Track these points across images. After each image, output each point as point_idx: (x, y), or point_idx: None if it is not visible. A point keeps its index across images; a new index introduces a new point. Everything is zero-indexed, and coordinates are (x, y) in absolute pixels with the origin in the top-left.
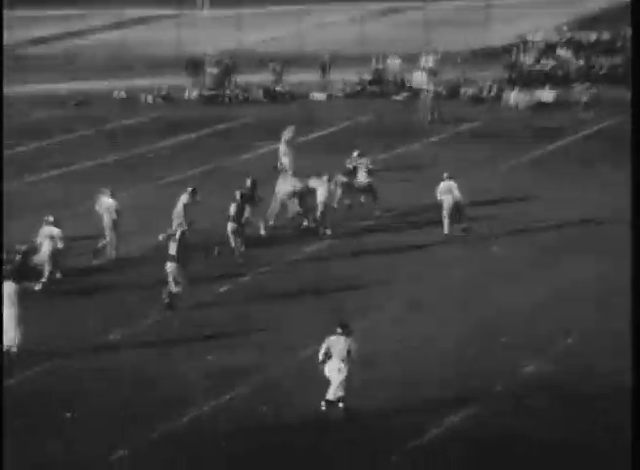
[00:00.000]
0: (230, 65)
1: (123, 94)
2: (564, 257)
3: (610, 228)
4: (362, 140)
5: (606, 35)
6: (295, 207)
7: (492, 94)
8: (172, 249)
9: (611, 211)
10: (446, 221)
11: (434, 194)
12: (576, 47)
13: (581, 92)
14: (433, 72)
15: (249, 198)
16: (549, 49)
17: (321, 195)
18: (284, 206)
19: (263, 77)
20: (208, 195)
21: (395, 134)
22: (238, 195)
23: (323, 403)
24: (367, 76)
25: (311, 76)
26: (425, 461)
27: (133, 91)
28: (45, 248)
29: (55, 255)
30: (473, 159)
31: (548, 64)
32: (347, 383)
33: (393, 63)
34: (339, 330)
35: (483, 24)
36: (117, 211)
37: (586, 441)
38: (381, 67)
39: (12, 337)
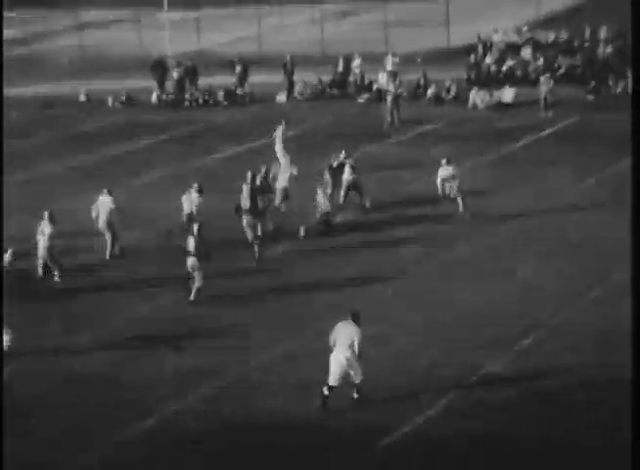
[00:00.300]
0: (191, 67)
1: (86, 97)
2: (526, 253)
3: (571, 223)
4: (323, 142)
5: (564, 35)
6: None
7: (452, 94)
8: (190, 244)
9: (572, 207)
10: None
11: (395, 193)
12: (536, 47)
13: (543, 90)
14: (393, 74)
15: (260, 189)
16: (509, 49)
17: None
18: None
19: (225, 80)
20: (172, 198)
21: (356, 136)
22: (246, 188)
23: (325, 389)
24: (328, 78)
25: (272, 78)
26: (390, 462)
27: (97, 94)
28: (41, 244)
29: (50, 250)
30: (434, 159)
31: (508, 64)
32: (361, 370)
33: (354, 64)
34: (349, 318)
35: (443, 25)
36: (117, 210)
37: (552, 436)
38: (341, 68)
39: None
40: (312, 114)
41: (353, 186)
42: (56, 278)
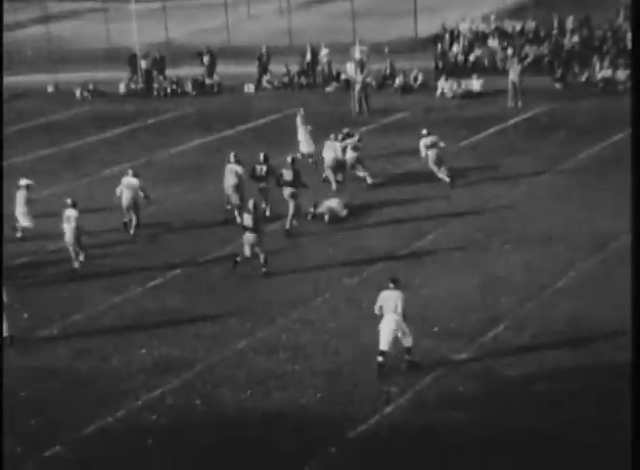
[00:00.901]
0: (159, 58)
1: (54, 88)
2: (492, 244)
3: (538, 213)
4: (293, 131)
5: (531, 24)
6: None
7: (420, 83)
8: (248, 220)
9: (539, 197)
10: (437, 170)
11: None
12: (503, 36)
13: (511, 79)
14: (361, 63)
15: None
16: (476, 38)
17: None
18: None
19: (193, 70)
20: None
21: (325, 125)
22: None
23: (380, 358)
24: (296, 68)
25: (240, 68)
26: (361, 453)
27: (65, 85)
28: (67, 231)
29: (76, 236)
30: (401, 148)
31: (475, 53)
32: (411, 335)
33: (322, 54)
34: (390, 285)
35: (411, 15)
36: (142, 189)
37: (518, 427)
38: (309, 58)
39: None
40: (281, 103)
41: (357, 163)
42: (76, 264)
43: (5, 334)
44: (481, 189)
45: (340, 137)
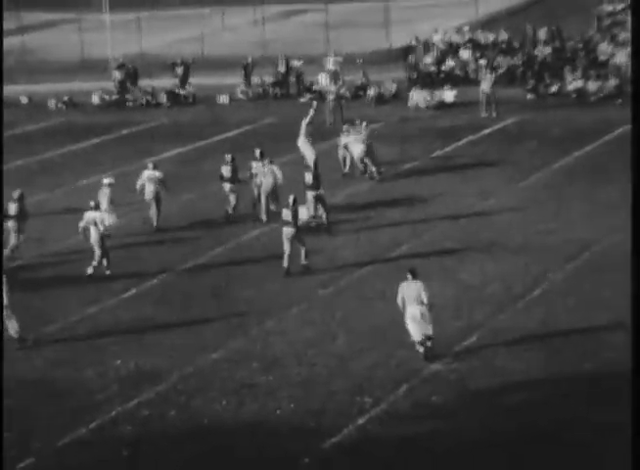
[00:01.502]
0: (132, 69)
1: (28, 99)
2: (465, 254)
3: (511, 223)
4: (266, 142)
5: (503, 36)
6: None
7: (393, 94)
8: (287, 215)
9: (512, 207)
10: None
11: (334, 194)
12: (476, 47)
13: (484, 90)
14: (334, 74)
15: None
16: (449, 49)
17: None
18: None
19: (167, 81)
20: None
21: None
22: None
23: (419, 347)
24: (270, 79)
25: (214, 79)
26: (335, 463)
27: (39, 96)
28: (92, 233)
29: (102, 239)
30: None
31: (448, 64)
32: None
33: (295, 65)
34: (409, 276)
35: (384, 26)
36: (162, 182)
37: (492, 437)
38: (283, 69)
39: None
40: (255, 114)
41: (367, 154)
42: (90, 270)
43: (15, 336)
44: (455, 199)
45: (344, 130)
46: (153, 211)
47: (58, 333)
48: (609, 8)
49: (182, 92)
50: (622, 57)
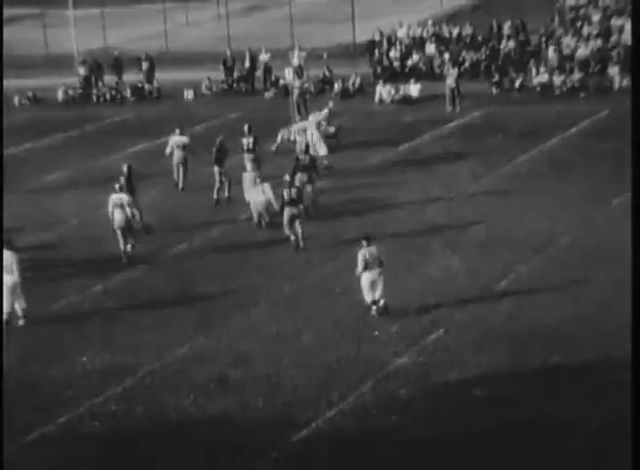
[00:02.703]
0: (96, 65)
1: None
2: (430, 247)
3: (476, 217)
4: (232, 136)
5: (468, 30)
6: None
7: (358, 89)
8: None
9: (477, 201)
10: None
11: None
12: (440, 42)
13: (449, 84)
14: (299, 69)
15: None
16: (414, 44)
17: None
18: None
19: (132, 77)
20: (81, 195)
21: (263, 131)
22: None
23: (373, 308)
24: (235, 74)
25: (179, 75)
26: (303, 457)
27: (4, 92)
28: (117, 216)
29: (129, 223)
30: (340, 155)
31: (413, 59)
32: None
33: (262, 59)
34: (364, 242)
35: (349, 21)
36: (188, 147)
37: (458, 430)
38: (248, 64)
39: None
40: (220, 109)
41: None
42: (129, 248)
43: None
44: (420, 192)
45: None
46: (180, 175)
47: (24, 329)
48: (571, 1)
49: (147, 87)
50: (586, 50)
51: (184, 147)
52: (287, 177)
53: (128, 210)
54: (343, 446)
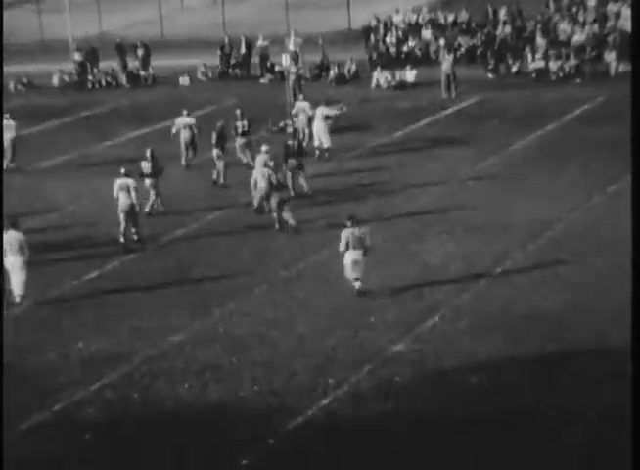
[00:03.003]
0: (91, 51)
1: None
2: (427, 234)
3: (473, 203)
4: (229, 122)
5: (464, 15)
6: None
7: (354, 74)
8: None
9: (474, 187)
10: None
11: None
12: (436, 27)
13: (445, 69)
14: (295, 55)
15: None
16: (410, 30)
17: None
18: None
19: (128, 63)
20: (76, 180)
21: (260, 117)
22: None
23: (356, 284)
24: (232, 60)
25: (175, 61)
26: (299, 444)
27: None
28: (123, 200)
29: (133, 207)
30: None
31: (409, 44)
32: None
33: (259, 45)
34: (349, 223)
35: (345, 6)
36: (195, 127)
37: (455, 417)
38: (244, 50)
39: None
40: (216, 95)
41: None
42: (122, 239)
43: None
44: (416, 178)
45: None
46: (188, 155)
47: (19, 316)
48: None
49: (143, 74)
50: (582, 36)
51: (190, 127)
52: (271, 163)
53: (134, 194)
54: (339, 434)
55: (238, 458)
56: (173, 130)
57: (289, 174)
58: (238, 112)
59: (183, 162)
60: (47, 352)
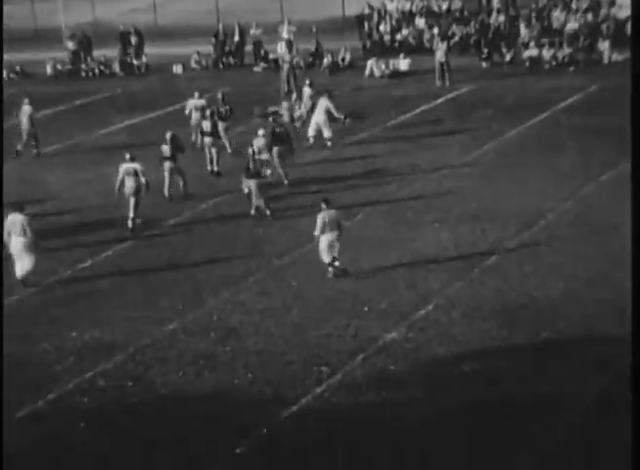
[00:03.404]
0: (85, 39)
1: None
2: (421, 222)
3: (467, 192)
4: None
5: (457, 4)
6: None
7: (348, 63)
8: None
9: (468, 175)
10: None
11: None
12: (430, 16)
13: (439, 58)
14: (288, 43)
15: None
16: (404, 18)
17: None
18: None
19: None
20: (70, 170)
21: (253, 105)
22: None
23: (330, 269)
24: (226, 48)
25: (168, 49)
26: (293, 434)
27: None
28: (129, 184)
29: (138, 192)
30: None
31: (402, 33)
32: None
33: (253, 33)
34: (323, 205)
35: None
36: (205, 108)
37: (448, 406)
38: (237, 38)
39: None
40: (209, 84)
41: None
42: (131, 224)
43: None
44: (410, 166)
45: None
46: (198, 136)
47: (12, 306)
48: None
49: (136, 62)
50: (575, 24)
51: (202, 109)
52: (250, 150)
53: (143, 179)
54: (333, 422)
55: (232, 447)
56: (186, 111)
57: (277, 160)
58: (219, 95)
59: (195, 140)
60: (41, 341)
